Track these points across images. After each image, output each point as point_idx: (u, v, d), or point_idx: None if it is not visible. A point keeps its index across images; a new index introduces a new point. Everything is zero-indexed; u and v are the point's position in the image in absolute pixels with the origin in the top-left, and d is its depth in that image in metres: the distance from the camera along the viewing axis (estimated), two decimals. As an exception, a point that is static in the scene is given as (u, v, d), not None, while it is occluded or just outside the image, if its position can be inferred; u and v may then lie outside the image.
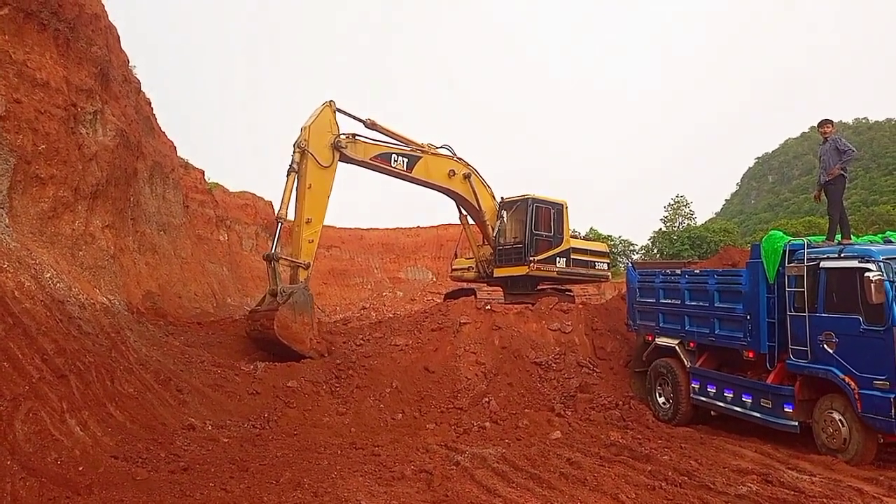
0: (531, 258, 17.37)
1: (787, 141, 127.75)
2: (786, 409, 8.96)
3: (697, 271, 11.83)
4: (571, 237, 18.89)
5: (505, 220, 18.31)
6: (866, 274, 7.97)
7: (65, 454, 6.97)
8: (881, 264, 8.01)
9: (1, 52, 9.47)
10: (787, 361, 9.16)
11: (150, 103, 21.44)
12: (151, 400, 9.66)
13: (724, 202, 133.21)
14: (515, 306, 16.20)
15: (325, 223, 15.98)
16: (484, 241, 19.59)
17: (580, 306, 16.47)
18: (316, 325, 14.81)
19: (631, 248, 59.28)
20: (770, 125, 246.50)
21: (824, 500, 6.51)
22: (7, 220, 9.17)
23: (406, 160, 16.82)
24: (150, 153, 19.63)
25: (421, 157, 17.13)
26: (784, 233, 10.28)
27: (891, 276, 7.90)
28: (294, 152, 14.76)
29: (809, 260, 9.00)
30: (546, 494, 6.84)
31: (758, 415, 9.41)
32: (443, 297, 21.51)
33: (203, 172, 31.25)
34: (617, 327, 14.35)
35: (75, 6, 11.60)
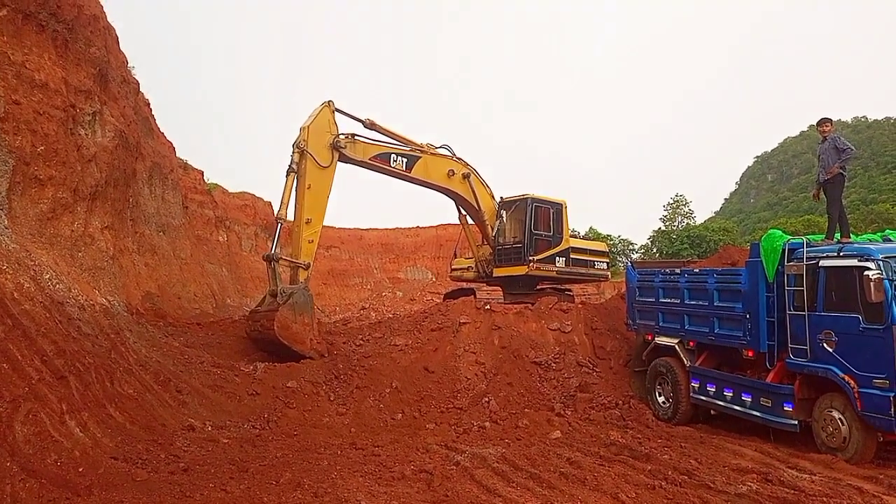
0: (530, 258, 17.38)
1: (786, 140, 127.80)
2: (785, 408, 8.96)
3: (697, 270, 11.82)
4: (571, 237, 18.90)
5: (504, 219, 18.31)
6: (865, 273, 7.98)
7: (64, 455, 6.97)
8: (880, 263, 8.01)
9: (-1, 53, 9.47)
10: (787, 360, 9.17)
11: (148, 104, 21.45)
12: (151, 401, 9.65)
13: (723, 201, 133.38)
14: (515, 306, 16.22)
15: (325, 223, 15.97)
16: (483, 241, 19.60)
17: (580, 306, 16.48)
18: (316, 325, 14.81)
19: (630, 247, 59.28)
20: (769, 124, 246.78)
21: (824, 499, 6.51)
22: (6, 222, 9.16)
23: (405, 160, 16.82)
24: (150, 154, 19.63)
25: (420, 157, 17.13)
26: (783, 231, 10.28)
27: (890, 274, 7.90)
28: (293, 153, 14.76)
29: (809, 259, 9.01)
30: (546, 494, 6.85)
31: (757, 414, 9.42)
32: (442, 297, 21.52)
33: (202, 173, 31.25)
34: (616, 327, 14.35)
35: (74, 7, 11.59)
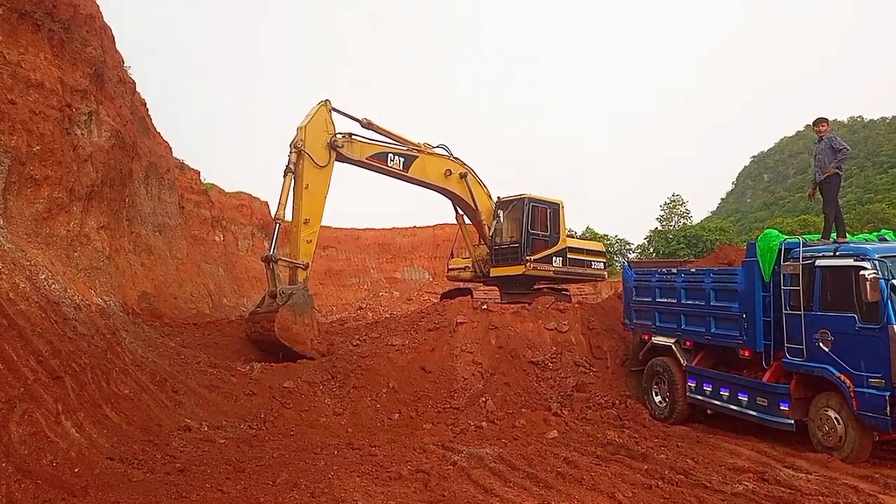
0: (528, 258, 17.39)
1: (782, 139, 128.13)
2: (782, 408, 8.98)
3: (693, 270, 11.84)
4: (568, 236, 18.91)
5: (501, 219, 18.32)
6: (861, 272, 7.99)
7: (60, 456, 6.95)
8: (876, 262, 8.03)
9: (-5, 52, 9.44)
10: (783, 360, 9.19)
11: (145, 104, 21.41)
12: (147, 401, 9.63)
13: (719, 201, 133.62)
14: (512, 306, 16.22)
15: (321, 223, 15.95)
16: (480, 241, 19.59)
17: (577, 305, 16.50)
18: (316, 325, 14.80)
19: (627, 247, 59.25)
20: (765, 124, 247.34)
21: (820, 498, 6.53)
22: (1, 222, 9.14)
23: (402, 160, 16.81)
24: (146, 154, 19.60)
25: (417, 157, 17.12)
26: (779, 231, 10.30)
27: (886, 274, 7.92)
28: (290, 153, 14.73)
29: (805, 258, 9.03)
30: (543, 494, 6.85)
31: (754, 413, 9.44)
32: (439, 296, 21.51)
33: (199, 173, 31.18)
34: (613, 326, 14.36)
35: (70, 7, 11.57)
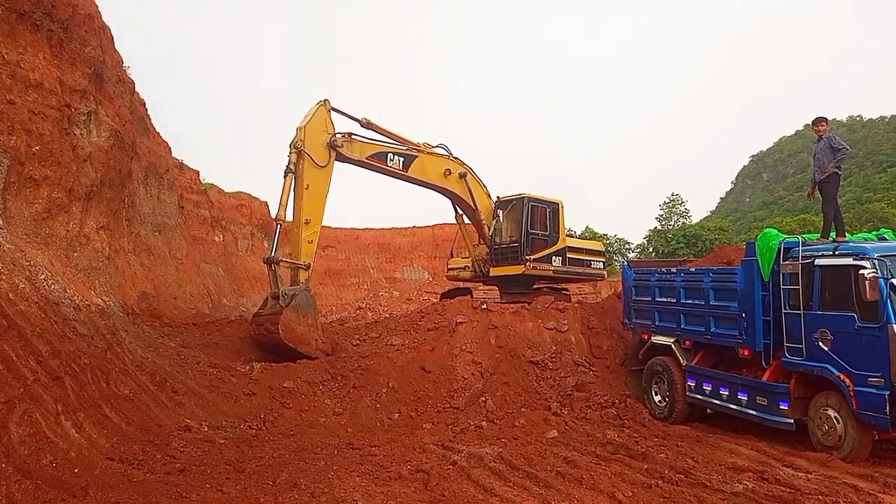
0: (527, 257, 17.39)
1: (781, 139, 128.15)
2: (781, 407, 8.99)
3: (693, 269, 11.85)
4: (567, 236, 18.92)
5: (501, 219, 18.30)
6: (861, 271, 8.00)
7: (60, 456, 6.95)
8: (875, 262, 8.04)
9: (-6, 53, 9.43)
10: (783, 359, 9.19)
11: (144, 104, 21.39)
12: (147, 401, 9.63)
13: (719, 200, 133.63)
14: (512, 305, 16.22)
15: (322, 223, 15.93)
16: (480, 241, 19.59)
17: (576, 305, 16.50)
18: (320, 325, 14.80)
19: (626, 246, 59.30)
20: (764, 123, 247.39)
21: (820, 497, 6.53)
22: (1, 222, 9.13)
23: (402, 159, 16.81)
24: (145, 154, 19.58)
25: (417, 157, 17.12)
26: (779, 230, 10.31)
27: (885, 273, 7.93)
28: (290, 153, 14.71)
29: (804, 258, 9.04)
30: (543, 493, 6.85)
31: (753, 412, 9.44)
32: (439, 296, 21.51)
33: (198, 173, 31.17)
34: (613, 326, 14.36)
35: (69, 7, 11.56)
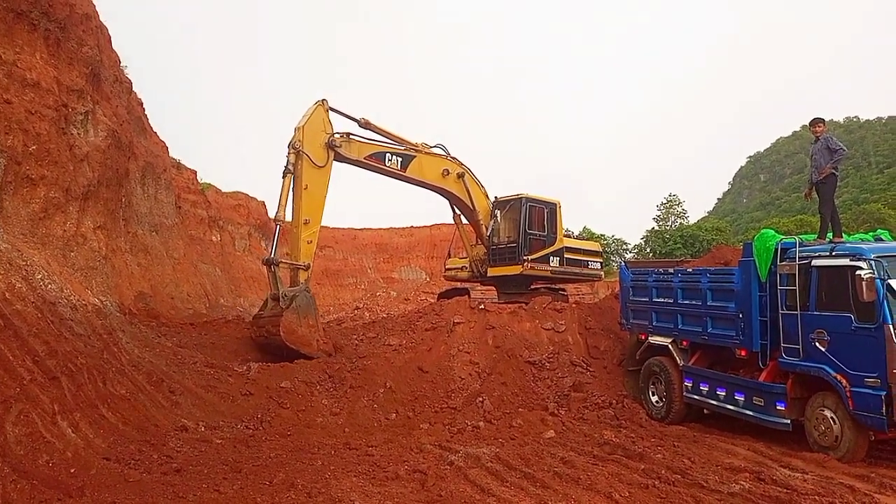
0: (525, 257, 17.41)
1: (778, 140, 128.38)
2: (778, 407, 9.00)
3: (690, 270, 11.86)
4: (564, 236, 18.95)
5: (499, 219, 18.31)
6: (857, 272, 8.01)
7: (56, 456, 6.94)
8: (872, 262, 8.05)
9: (-10, 52, 9.41)
10: (779, 359, 9.20)
11: (141, 103, 21.34)
12: (144, 401, 9.61)
13: (716, 201, 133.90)
14: (509, 306, 16.23)
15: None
16: (477, 241, 19.60)
17: (573, 305, 16.51)
18: (321, 326, 14.79)
19: (624, 247, 59.43)
20: (762, 124, 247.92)
21: (816, 498, 6.54)
22: (-3, 222, 9.12)
23: (400, 159, 16.81)
24: (142, 154, 19.55)
25: (415, 157, 17.13)
26: (776, 231, 10.33)
27: (882, 274, 7.93)
28: (289, 153, 14.70)
29: (801, 258, 9.05)
30: (540, 493, 6.85)
31: (750, 413, 9.45)
32: (436, 296, 21.51)
33: (195, 173, 31.12)
34: (610, 326, 14.38)
35: (66, 6, 11.53)
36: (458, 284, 20.78)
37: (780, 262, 9.30)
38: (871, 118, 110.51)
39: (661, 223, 61.05)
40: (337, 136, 15.50)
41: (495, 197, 18.89)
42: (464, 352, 13.84)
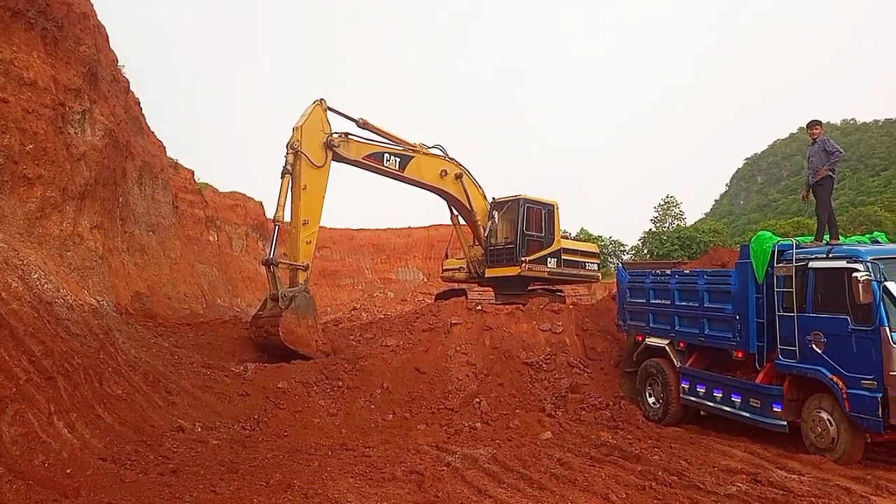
0: (522, 258, 17.40)
1: (775, 142, 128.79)
2: (774, 409, 9.00)
3: (687, 272, 11.87)
4: (562, 238, 18.94)
5: (496, 220, 18.30)
6: (854, 274, 8.02)
7: (52, 456, 6.91)
8: (869, 265, 8.06)
9: (-13, 50, 9.39)
10: (776, 361, 9.21)
11: (138, 103, 21.30)
12: (140, 402, 9.59)
13: (713, 203, 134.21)
14: (506, 307, 16.22)
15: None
16: (475, 242, 19.60)
17: (571, 307, 16.50)
18: (320, 326, 14.79)
19: (621, 248, 59.57)
20: (759, 126, 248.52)
21: (813, 500, 6.55)
22: (-6, 221, 9.09)
23: (398, 160, 16.81)
24: (139, 153, 19.50)
25: (413, 157, 17.12)
26: (773, 233, 10.34)
27: (878, 276, 7.95)
28: (287, 154, 14.68)
29: (798, 260, 9.06)
30: (537, 495, 6.85)
31: (747, 414, 9.46)
32: (434, 297, 21.50)
33: (192, 172, 31.06)
34: (607, 328, 14.38)
35: (63, 5, 11.52)
36: (456, 285, 20.76)
37: (777, 263, 9.32)
38: (868, 121, 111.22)
39: (658, 225, 61.17)
40: (335, 135, 15.49)
41: (493, 198, 18.89)
42: (461, 353, 13.83)
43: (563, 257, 18.37)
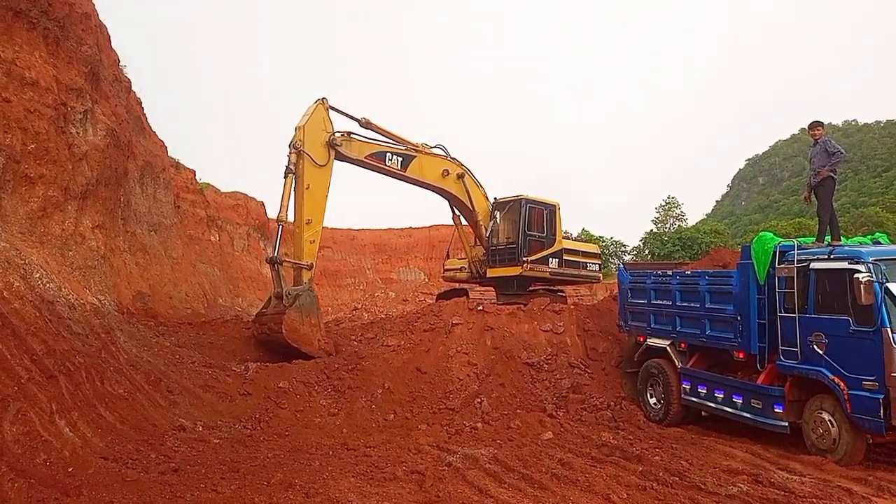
0: (524, 259, 17.40)
1: (777, 143, 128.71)
2: (776, 410, 9.00)
3: (688, 272, 11.87)
4: (563, 238, 18.95)
5: (498, 220, 18.31)
6: (856, 275, 8.02)
7: (54, 455, 6.92)
8: (870, 266, 8.06)
9: (-10, 50, 9.41)
10: (778, 362, 9.21)
11: (140, 103, 21.33)
12: (142, 401, 9.60)
13: (714, 203, 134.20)
14: (507, 307, 16.22)
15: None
16: (476, 242, 19.60)
17: (572, 307, 16.50)
18: (323, 325, 14.81)
19: (622, 249, 59.52)
20: (760, 127, 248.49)
21: (814, 501, 6.55)
22: (-4, 220, 9.10)
23: (400, 159, 16.82)
24: (141, 153, 19.53)
25: (415, 157, 17.13)
26: (774, 234, 10.33)
27: (880, 277, 7.95)
28: (290, 153, 14.70)
29: (799, 261, 9.05)
30: (538, 495, 6.86)
31: (748, 415, 9.46)
32: (435, 297, 21.51)
33: (194, 172, 31.10)
34: (609, 328, 14.38)
35: (65, 5, 11.52)
36: (457, 285, 20.77)
37: (779, 264, 9.31)
38: (870, 122, 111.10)
39: (659, 225, 61.18)
40: (338, 134, 15.51)
41: (495, 198, 18.89)
42: (462, 353, 13.83)
43: (564, 258, 18.38)
